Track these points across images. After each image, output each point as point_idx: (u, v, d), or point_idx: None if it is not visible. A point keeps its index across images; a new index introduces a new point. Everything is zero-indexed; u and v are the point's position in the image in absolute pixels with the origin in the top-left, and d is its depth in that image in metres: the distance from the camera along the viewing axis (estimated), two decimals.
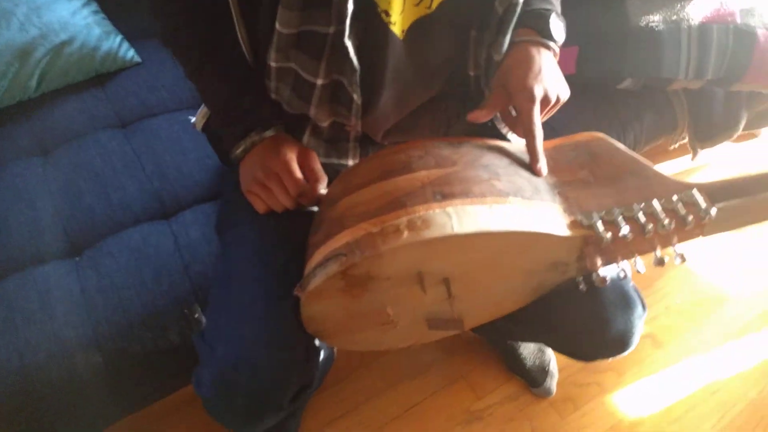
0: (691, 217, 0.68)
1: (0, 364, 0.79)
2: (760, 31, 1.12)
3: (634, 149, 1.29)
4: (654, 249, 0.74)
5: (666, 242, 0.73)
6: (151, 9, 0.77)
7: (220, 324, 0.70)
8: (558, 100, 0.71)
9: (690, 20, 1.12)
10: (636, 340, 0.79)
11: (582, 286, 0.75)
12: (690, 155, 1.33)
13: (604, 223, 0.68)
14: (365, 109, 0.75)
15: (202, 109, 0.89)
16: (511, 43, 0.72)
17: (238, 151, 0.77)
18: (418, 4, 0.67)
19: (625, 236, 0.67)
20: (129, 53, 1.15)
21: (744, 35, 1.12)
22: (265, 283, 0.71)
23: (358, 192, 0.68)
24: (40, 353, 0.80)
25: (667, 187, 0.71)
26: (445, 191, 0.65)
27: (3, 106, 1.05)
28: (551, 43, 0.72)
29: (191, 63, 0.78)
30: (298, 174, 0.73)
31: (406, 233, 0.62)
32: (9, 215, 0.93)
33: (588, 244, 0.69)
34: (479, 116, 0.70)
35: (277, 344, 0.67)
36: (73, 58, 1.08)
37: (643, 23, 1.12)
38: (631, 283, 0.79)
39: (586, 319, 0.75)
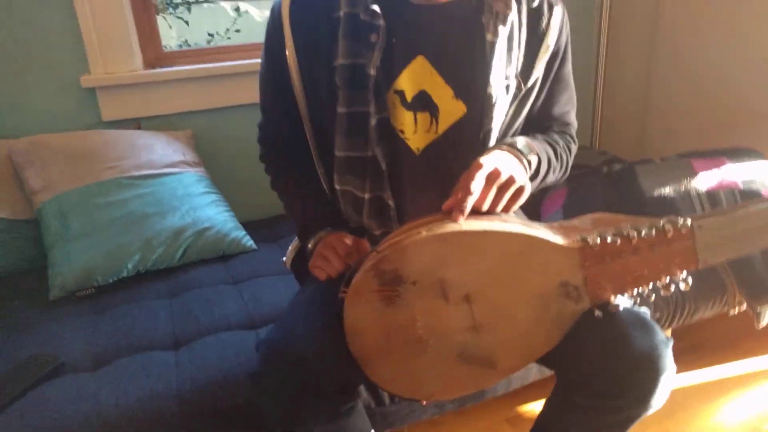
0: (669, 226, 0.80)
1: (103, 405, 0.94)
2: (764, 192, 1.30)
3: (681, 317, 1.35)
4: (658, 276, 0.83)
5: (663, 265, 0.82)
6: (267, 170, 1.12)
7: (275, 326, 0.85)
8: (513, 180, 0.83)
9: (698, 190, 1.34)
10: (667, 366, 0.79)
11: (597, 313, 0.83)
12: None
13: (597, 237, 0.81)
14: (400, 215, 0.98)
15: (289, 250, 1.16)
16: None
17: (310, 245, 0.99)
18: (428, 131, 0.96)
19: (613, 242, 0.80)
20: (249, 242, 1.53)
21: (749, 196, 1.30)
22: (317, 301, 0.87)
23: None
24: (131, 399, 0.95)
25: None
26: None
27: (154, 269, 1.41)
28: (515, 150, 0.91)
29: (287, 196, 1.09)
30: (347, 241, 0.93)
31: (423, 232, 0.80)
32: (131, 320, 1.19)
33: (586, 258, 0.82)
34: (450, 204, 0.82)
35: (320, 328, 0.80)
36: (209, 240, 1.46)
37: (656, 194, 1.35)
38: (649, 315, 0.85)
39: (604, 338, 0.81)
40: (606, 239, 0.81)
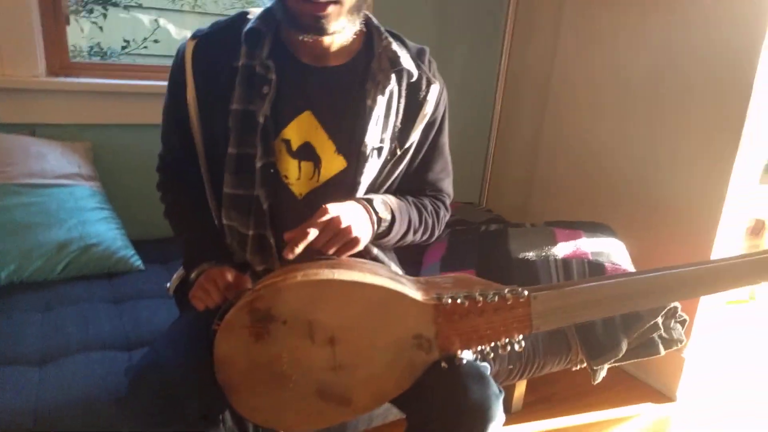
0: (509, 294, 0.93)
1: None
2: (607, 264, 1.50)
3: (532, 370, 1.51)
4: (499, 337, 0.96)
5: (504, 328, 0.95)
6: (162, 198, 1.16)
7: (147, 352, 0.88)
8: (350, 230, 0.93)
9: (555, 256, 1.52)
10: (496, 416, 0.91)
11: (443, 364, 0.94)
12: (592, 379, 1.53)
13: (449, 297, 0.93)
14: (281, 253, 1.00)
15: (174, 278, 1.19)
16: None
17: (193, 275, 1.02)
18: (310, 179, 1.05)
19: (462, 303, 0.92)
20: (137, 262, 1.53)
21: (595, 267, 1.50)
22: (191, 330, 0.92)
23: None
24: None
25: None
26: (334, 267, 0.93)
27: (29, 281, 1.37)
28: (369, 205, 1.01)
29: (180, 225, 1.13)
30: (229, 276, 0.97)
31: (299, 276, 0.88)
32: None
33: (439, 315, 0.93)
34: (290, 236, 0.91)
35: (189, 356, 0.85)
36: (95, 256, 1.44)
37: (521, 257, 1.52)
38: (489, 370, 0.97)
39: (446, 386, 0.91)
40: (456, 300, 0.92)
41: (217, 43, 1.03)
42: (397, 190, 1.12)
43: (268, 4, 1.06)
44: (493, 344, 0.96)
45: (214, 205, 1.11)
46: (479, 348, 0.96)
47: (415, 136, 1.08)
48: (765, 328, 2.24)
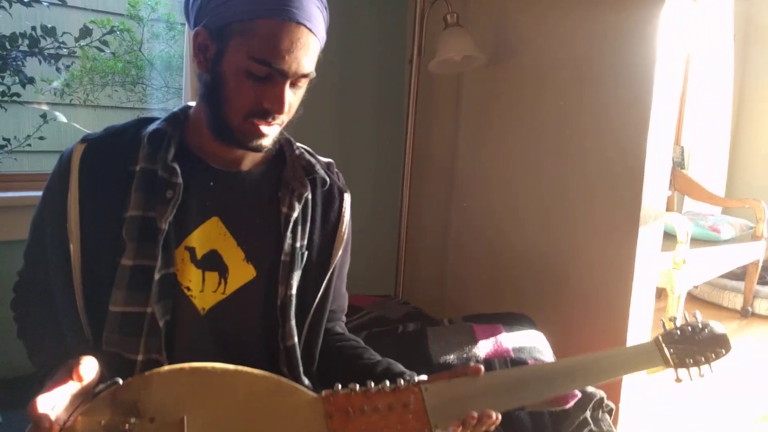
0: (402, 382, 0.84)
1: None
2: (530, 360, 1.44)
3: None
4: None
5: (401, 426, 0.82)
6: (15, 317, 0.98)
7: None
8: None
9: (477, 357, 1.45)
10: None
11: None
12: None
13: (339, 385, 0.82)
14: None
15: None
16: None
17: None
18: (215, 291, 0.94)
19: (353, 390, 0.82)
20: None
21: (518, 365, 1.43)
22: None
23: None
24: None
25: None
26: None
27: None
28: None
29: (37, 355, 0.93)
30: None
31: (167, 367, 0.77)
32: None
33: (332, 409, 0.80)
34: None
35: None
36: None
37: (441, 361, 1.43)
38: None
39: None
40: (347, 387, 0.82)
41: (111, 147, 0.94)
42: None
43: (174, 110, 1.00)
44: None
45: (89, 331, 0.92)
46: None
47: (336, 257, 1.03)
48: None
